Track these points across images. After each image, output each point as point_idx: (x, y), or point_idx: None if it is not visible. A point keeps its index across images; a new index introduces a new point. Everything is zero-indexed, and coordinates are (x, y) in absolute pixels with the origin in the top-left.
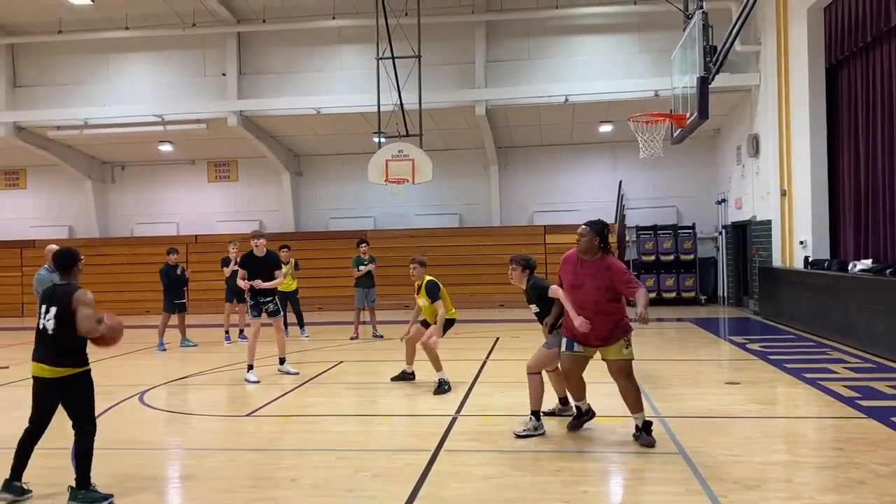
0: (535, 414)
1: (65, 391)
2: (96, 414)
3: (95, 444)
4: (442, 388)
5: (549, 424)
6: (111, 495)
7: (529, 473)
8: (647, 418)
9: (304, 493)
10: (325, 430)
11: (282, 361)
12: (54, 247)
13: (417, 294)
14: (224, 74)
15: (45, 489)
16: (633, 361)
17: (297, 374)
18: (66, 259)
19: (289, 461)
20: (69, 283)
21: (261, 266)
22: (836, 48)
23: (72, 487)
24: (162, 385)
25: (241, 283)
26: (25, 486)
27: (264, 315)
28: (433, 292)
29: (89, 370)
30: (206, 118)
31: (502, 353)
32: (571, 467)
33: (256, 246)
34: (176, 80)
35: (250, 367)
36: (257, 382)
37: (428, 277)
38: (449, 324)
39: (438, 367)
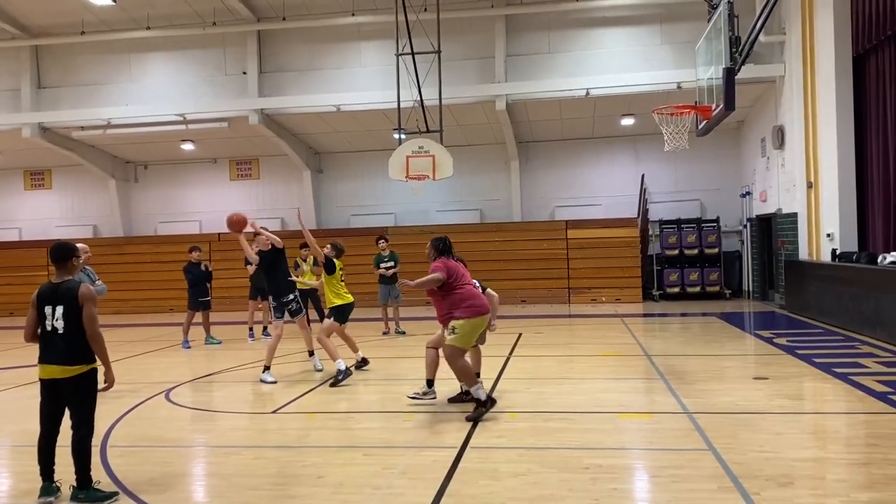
0: (429, 382)
1: (75, 390)
2: (125, 410)
3: (124, 442)
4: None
5: (579, 422)
6: (116, 493)
7: (557, 471)
8: (479, 396)
9: (330, 490)
10: (350, 426)
11: (311, 354)
12: (84, 245)
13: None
14: (245, 73)
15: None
16: (455, 347)
17: (322, 369)
18: (61, 253)
19: (314, 458)
20: (70, 280)
21: (279, 258)
22: (864, 37)
23: (73, 487)
24: (187, 382)
25: (242, 241)
26: (57, 485)
27: (286, 315)
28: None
29: (96, 369)
30: (228, 117)
31: (525, 349)
32: (599, 464)
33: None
34: (197, 78)
35: (266, 368)
36: (274, 383)
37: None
38: (345, 308)
39: (335, 357)
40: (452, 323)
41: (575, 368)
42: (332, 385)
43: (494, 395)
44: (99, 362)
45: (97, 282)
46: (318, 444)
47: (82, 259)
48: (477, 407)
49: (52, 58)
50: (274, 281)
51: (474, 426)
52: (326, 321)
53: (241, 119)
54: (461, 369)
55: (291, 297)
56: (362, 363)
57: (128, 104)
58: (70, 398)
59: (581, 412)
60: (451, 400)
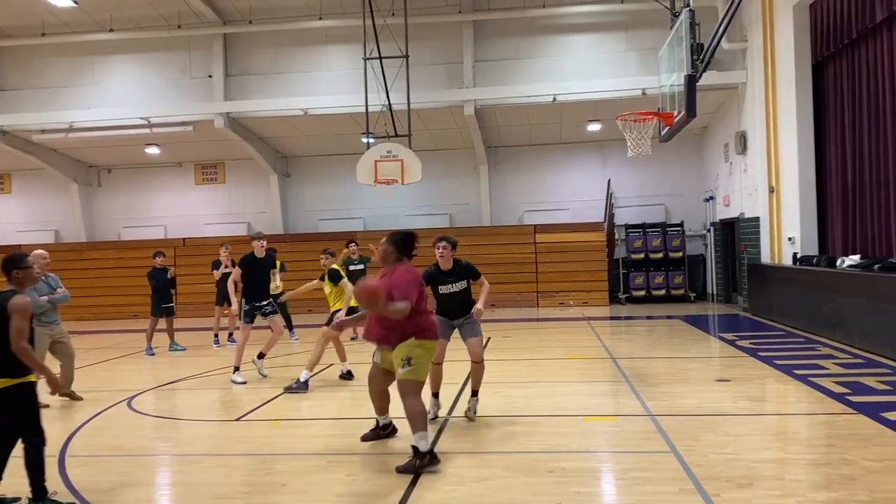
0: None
1: (5, 404)
2: (85, 419)
3: (84, 452)
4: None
5: (544, 426)
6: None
7: (522, 475)
8: (420, 446)
9: (294, 498)
10: (316, 434)
11: (260, 356)
12: (42, 251)
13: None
14: (210, 76)
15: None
16: (413, 381)
17: (266, 376)
18: (4, 264)
19: (279, 466)
20: (6, 292)
21: (260, 267)
22: (823, 45)
23: (29, 499)
24: (151, 390)
25: (230, 286)
26: (13, 497)
27: (259, 318)
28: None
29: (31, 382)
30: (193, 120)
31: (494, 353)
32: (564, 468)
33: (261, 247)
34: (162, 82)
35: (236, 369)
36: (244, 384)
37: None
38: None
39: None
40: (409, 351)
41: (543, 372)
42: (287, 390)
43: (460, 400)
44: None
45: (59, 289)
46: (282, 452)
47: (36, 267)
48: (414, 457)
49: (12, 60)
50: (253, 286)
51: (439, 433)
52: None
53: (206, 123)
54: (415, 410)
55: (265, 302)
56: (348, 375)
57: (91, 107)
58: (4, 412)
59: (547, 415)
60: (364, 438)
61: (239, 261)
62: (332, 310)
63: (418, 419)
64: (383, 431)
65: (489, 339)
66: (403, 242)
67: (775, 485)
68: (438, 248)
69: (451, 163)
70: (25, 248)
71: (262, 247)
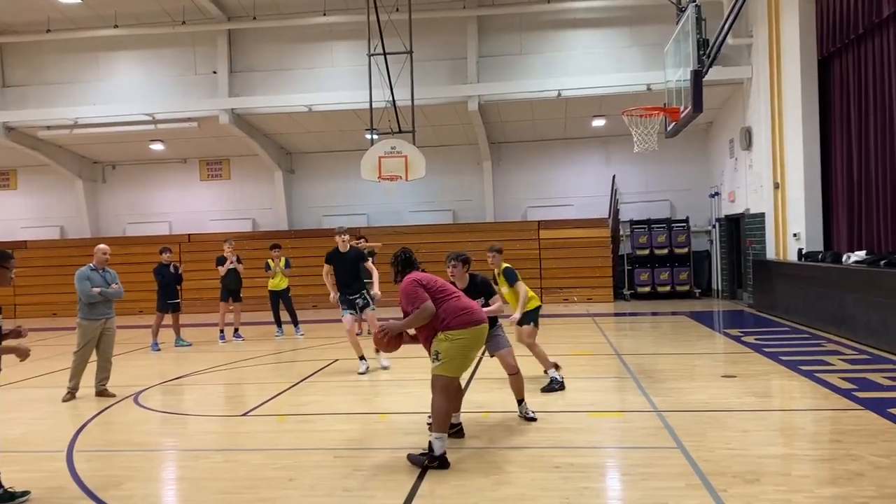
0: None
1: None
2: (92, 414)
3: (91, 447)
4: (552, 386)
5: (550, 422)
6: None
7: (528, 470)
8: (434, 448)
9: (301, 493)
10: (322, 428)
11: (377, 351)
12: (103, 246)
13: (497, 283)
14: (215, 72)
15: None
16: (441, 377)
17: (388, 366)
18: None
19: (286, 461)
20: None
21: (345, 261)
22: (828, 40)
23: None
24: (157, 385)
25: (327, 281)
26: (12, 490)
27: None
28: (513, 277)
29: None
30: (198, 116)
31: None
32: (571, 463)
33: (343, 241)
34: (166, 78)
35: (362, 358)
36: (387, 368)
37: (505, 264)
38: (535, 312)
39: (548, 365)
40: (436, 346)
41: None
42: (545, 391)
43: (466, 394)
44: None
45: (114, 284)
46: (289, 447)
47: (100, 260)
48: (425, 453)
49: (18, 56)
50: (341, 279)
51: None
52: (527, 327)
53: (211, 119)
54: (439, 409)
55: (357, 294)
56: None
57: (95, 103)
58: None
59: (552, 411)
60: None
61: (326, 257)
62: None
63: (440, 419)
64: (451, 430)
65: None
66: (398, 259)
67: (782, 480)
68: (449, 268)
69: (455, 159)
70: (31, 245)
71: (346, 241)
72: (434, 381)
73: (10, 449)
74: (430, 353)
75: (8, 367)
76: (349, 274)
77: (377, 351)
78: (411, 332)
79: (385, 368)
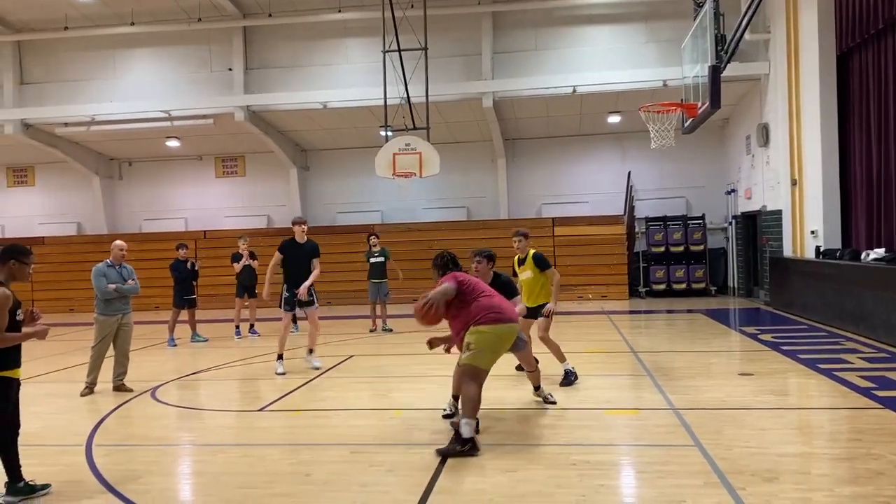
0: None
1: None
2: (110, 409)
3: (109, 441)
4: (569, 378)
5: (566, 419)
6: (47, 485)
7: (545, 467)
8: (463, 432)
9: (318, 488)
10: (338, 424)
11: (310, 352)
12: (120, 242)
13: (519, 268)
14: (230, 69)
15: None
16: (472, 367)
17: (320, 367)
18: (5, 250)
19: (302, 456)
20: None
21: (301, 253)
22: (847, 36)
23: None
24: (173, 381)
25: (269, 272)
26: (33, 483)
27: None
28: (545, 262)
29: (6, 378)
30: (213, 113)
31: None
32: (587, 460)
33: (302, 231)
34: (182, 75)
35: (280, 357)
36: (283, 374)
37: (533, 250)
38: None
39: (562, 359)
40: (467, 338)
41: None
42: (563, 385)
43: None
44: (14, 370)
45: (130, 280)
46: (305, 442)
47: (116, 256)
48: (454, 441)
49: (36, 54)
50: (293, 273)
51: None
52: (542, 320)
53: (226, 116)
54: (469, 395)
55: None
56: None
57: (112, 100)
58: None
59: (568, 409)
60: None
61: (279, 246)
62: (536, 304)
63: (469, 404)
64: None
65: None
66: (443, 261)
67: (801, 479)
68: (473, 264)
69: (469, 156)
70: (48, 241)
71: (303, 231)
72: (463, 369)
73: (29, 443)
74: (461, 349)
75: (26, 363)
76: (302, 267)
77: (310, 351)
78: (443, 334)
79: (316, 368)
